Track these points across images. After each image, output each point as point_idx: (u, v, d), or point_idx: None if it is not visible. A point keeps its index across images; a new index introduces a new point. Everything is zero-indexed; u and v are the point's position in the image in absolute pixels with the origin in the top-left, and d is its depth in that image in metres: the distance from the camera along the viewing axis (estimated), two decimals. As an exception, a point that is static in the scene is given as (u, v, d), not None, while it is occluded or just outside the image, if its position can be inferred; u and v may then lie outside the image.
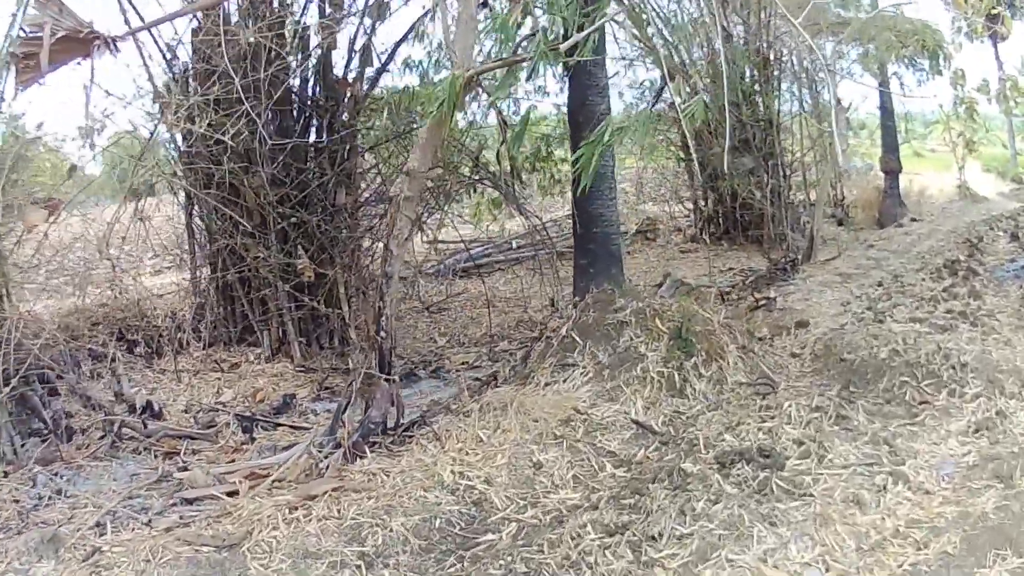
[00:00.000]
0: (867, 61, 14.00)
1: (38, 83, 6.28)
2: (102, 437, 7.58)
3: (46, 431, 7.45)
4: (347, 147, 10.17)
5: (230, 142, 8.10)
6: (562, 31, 6.57)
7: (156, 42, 9.59)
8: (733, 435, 6.16)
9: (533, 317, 11.41)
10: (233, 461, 7.15)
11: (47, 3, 6.08)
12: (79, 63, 6.21)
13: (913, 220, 15.89)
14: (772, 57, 14.59)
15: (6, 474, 6.67)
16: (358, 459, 6.42)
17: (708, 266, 12.43)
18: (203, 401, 8.86)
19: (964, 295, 8.97)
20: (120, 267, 10.36)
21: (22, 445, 7.11)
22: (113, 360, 9.35)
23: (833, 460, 5.57)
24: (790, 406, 6.49)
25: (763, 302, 9.62)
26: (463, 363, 9.99)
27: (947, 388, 6.53)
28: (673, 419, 6.73)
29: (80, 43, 6.06)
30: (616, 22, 9.37)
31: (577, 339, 7.62)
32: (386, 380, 6.98)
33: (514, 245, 14.94)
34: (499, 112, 8.78)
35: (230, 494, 6.10)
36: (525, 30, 6.86)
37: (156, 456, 7.30)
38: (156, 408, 8.38)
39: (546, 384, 7.31)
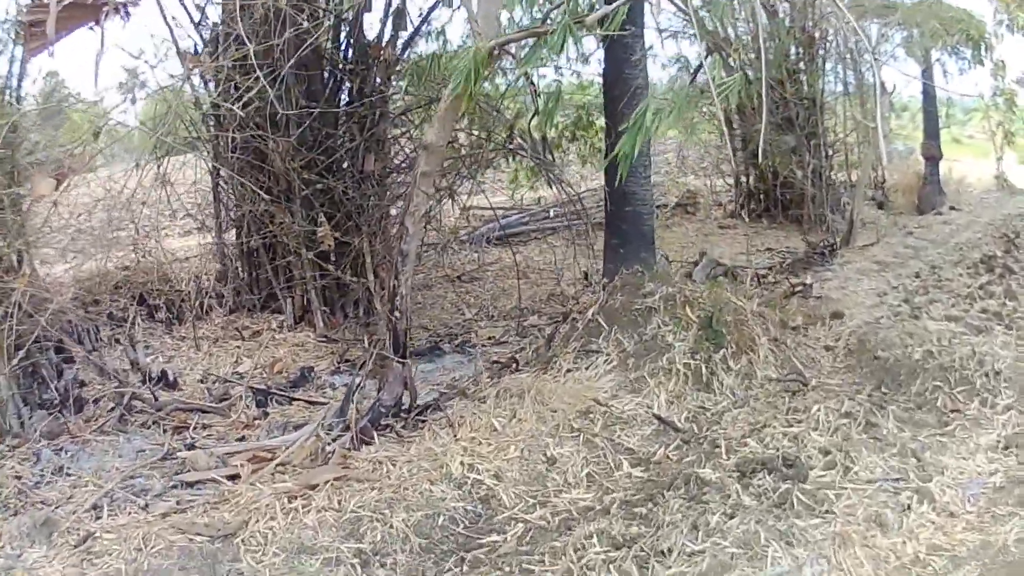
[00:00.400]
0: (911, 46, 13.60)
1: (47, 52, 6.07)
2: (112, 409, 7.38)
3: (56, 402, 7.27)
4: (377, 112, 9.85)
5: (239, 110, 7.81)
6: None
7: (183, 4, 9.41)
8: (757, 439, 5.86)
9: (565, 291, 11.08)
10: (243, 438, 6.94)
11: (53, -30, 5.85)
12: (91, 28, 5.97)
13: (952, 209, 15.48)
14: (817, 36, 14.22)
15: (11, 448, 6.47)
16: (365, 445, 6.20)
17: (746, 244, 12.07)
18: (220, 371, 8.65)
19: (1000, 294, 8.65)
20: (144, 230, 10.13)
21: (30, 417, 6.91)
22: (132, 326, 9.19)
23: (859, 473, 5.29)
24: (819, 409, 6.18)
25: (799, 288, 9.26)
26: (490, 338, 9.70)
27: (979, 397, 6.27)
28: (697, 415, 6.44)
29: (88, 9, 5.84)
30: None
31: (603, 324, 7.34)
32: (399, 362, 6.74)
33: (551, 214, 14.60)
34: (532, 84, 8.41)
35: (232, 478, 5.91)
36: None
37: (165, 431, 7.08)
38: (171, 378, 8.20)
39: (567, 371, 7.04)
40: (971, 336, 7.31)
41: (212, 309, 10.05)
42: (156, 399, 7.62)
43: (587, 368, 7.00)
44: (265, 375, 8.56)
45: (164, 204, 10.06)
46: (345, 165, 9.86)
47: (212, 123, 9.67)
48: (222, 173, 9.92)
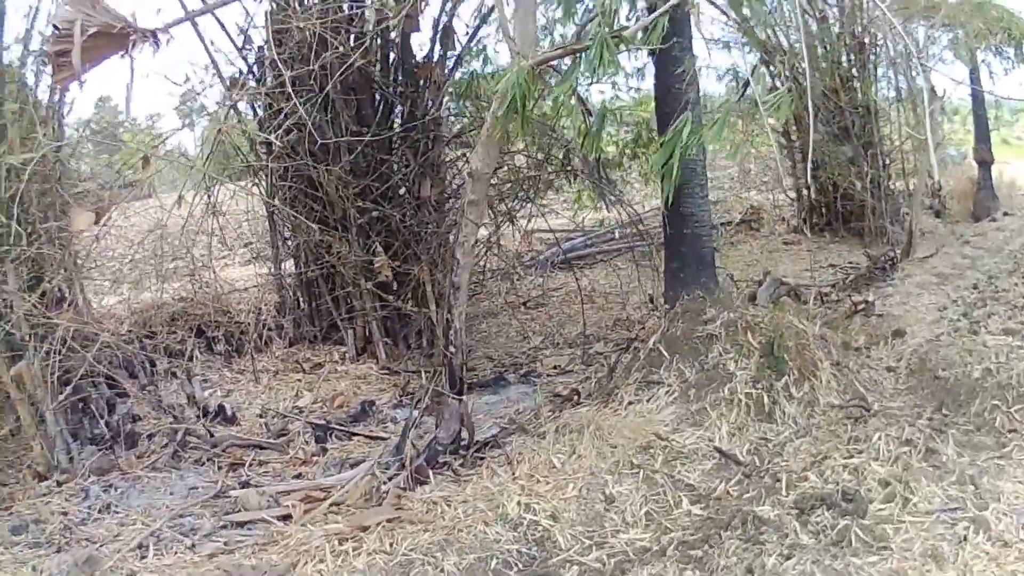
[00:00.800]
0: (957, 47, 13.29)
1: (78, 83, 5.99)
2: (166, 445, 7.34)
3: (107, 438, 7.26)
4: (431, 136, 9.71)
5: (276, 140, 7.73)
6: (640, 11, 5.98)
7: (225, 30, 9.35)
8: (817, 472, 5.58)
9: (631, 316, 10.83)
10: (300, 475, 6.87)
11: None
12: (123, 56, 5.87)
13: (1005, 215, 14.98)
14: (867, 41, 13.94)
15: (59, 484, 6.48)
16: (421, 484, 6.06)
17: (810, 260, 11.92)
18: (280, 405, 8.57)
19: (1055, 303, 8.33)
20: (200, 260, 10.07)
21: (79, 453, 6.92)
22: (190, 359, 9.15)
23: (917, 504, 5.02)
24: (879, 438, 5.90)
25: (861, 306, 8.95)
26: (555, 367, 9.48)
27: (1036, 415, 5.96)
28: (759, 447, 6.18)
29: (115, 38, 5.72)
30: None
31: (664, 353, 7.11)
32: (455, 398, 6.58)
33: (616, 235, 14.38)
34: (583, 102, 8.11)
35: (283, 518, 5.83)
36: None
37: (220, 468, 7.04)
38: (229, 412, 8.15)
39: (629, 403, 6.82)
40: (1028, 349, 7.00)
41: (272, 341, 9.98)
42: (211, 435, 7.57)
43: (648, 400, 6.79)
44: (325, 409, 8.47)
45: (220, 233, 9.93)
46: (402, 192, 9.73)
47: (264, 151, 9.55)
48: (276, 202, 9.84)
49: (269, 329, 10.04)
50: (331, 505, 5.89)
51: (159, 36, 5.90)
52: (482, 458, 6.47)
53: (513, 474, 5.98)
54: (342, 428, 7.83)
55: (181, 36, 8.51)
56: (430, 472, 6.19)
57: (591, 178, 10.30)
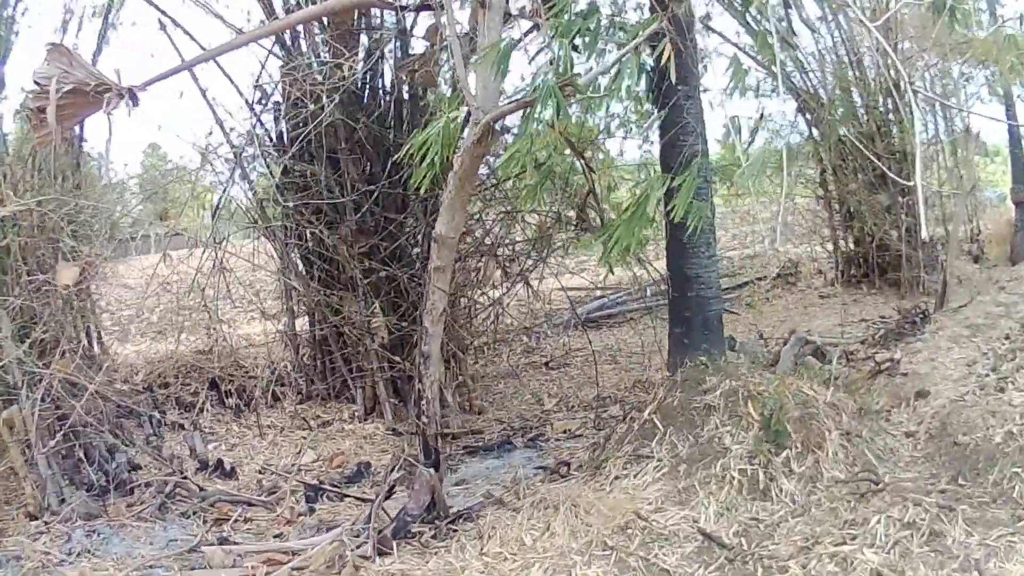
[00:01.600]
0: (994, 85, 12.85)
1: (57, 139, 5.91)
2: (156, 496, 7.34)
3: (102, 484, 7.30)
4: (439, 195, 9.51)
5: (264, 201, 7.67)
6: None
7: (232, 81, 9.33)
8: (803, 562, 5.21)
9: (651, 378, 10.52)
10: (281, 535, 6.77)
11: (57, 55, 5.70)
12: (107, 114, 5.79)
13: (1042, 256, 14.42)
14: (902, 84, 13.48)
15: (46, 524, 6.62)
16: (383, 555, 5.87)
17: (844, 315, 11.66)
18: (282, 461, 8.52)
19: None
20: (216, 314, 10.00)
21: (71, 497, 6.99)
22: (200, 411, 9.13)
23: (909, 599, 4.66)
24: (879, 521, 5.46)
25: (886, 366, 8.46)
26: (565, 431, 9.23)
27: (1058, 483, 5.52)
28: (748, 529, 5.77)
29: (91, 96, 5.65)
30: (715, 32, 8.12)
31: (659, 425, 6.78)
32: (427, 469, 6.38)
33: (649, 293, 14.07)
34: (583, 157, 7.76)
35: (243, 579, 5.73)
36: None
37: (205, 522, 7.01)
38: (228, 467, 8.14)
39: (616, 478, 6.51)
40: (1056, 407, 6.51)
41: (284, 397, 9.88)
42: (201, 489, 7.57)
43: (636, 476, 6.46)
44: (323, 469, 8.35)
45: (227, 290, 9.85)
46: (415, 252, 9.61)
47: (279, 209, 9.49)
48: (282, 262, 9.77)
49: (281, 385, 9.95)
50: (293, 569, 5.77)
51: (136, 94, 5.80)
52: (455, 530, 6.26)
53: (481, 549, 5.76)
54: (335, 489, 7.74)
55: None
56: (394, 543, 6.00)
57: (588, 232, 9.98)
